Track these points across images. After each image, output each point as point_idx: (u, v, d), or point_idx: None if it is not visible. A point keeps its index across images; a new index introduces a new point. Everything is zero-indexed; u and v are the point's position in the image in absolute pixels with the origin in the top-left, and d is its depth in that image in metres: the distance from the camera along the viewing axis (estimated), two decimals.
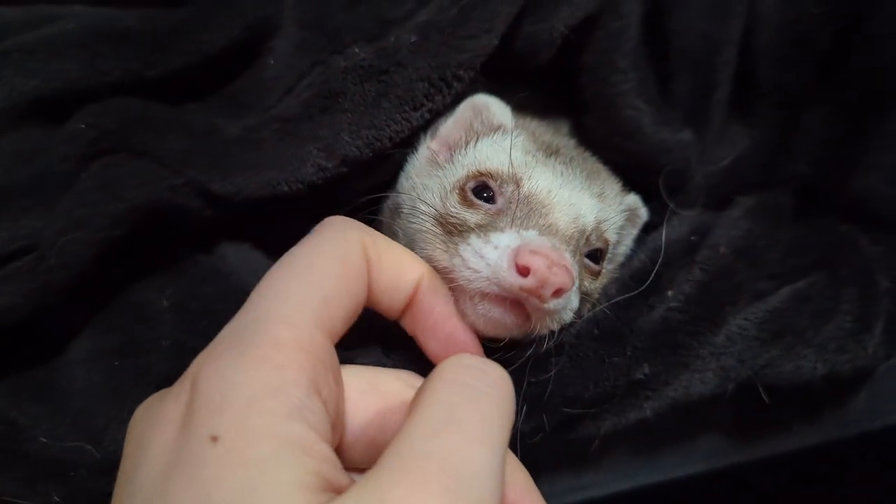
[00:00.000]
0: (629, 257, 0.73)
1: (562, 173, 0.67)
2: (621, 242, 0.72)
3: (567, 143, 0.76)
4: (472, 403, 0.40)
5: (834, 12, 0.72)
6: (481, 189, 0.63)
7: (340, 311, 0.45)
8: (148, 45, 0.65)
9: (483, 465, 0.37)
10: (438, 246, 0.60)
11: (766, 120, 0.78)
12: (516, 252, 0.54)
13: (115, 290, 0.64)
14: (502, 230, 0.58)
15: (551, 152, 0.69)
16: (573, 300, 0.59)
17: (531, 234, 0.57)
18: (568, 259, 0.55)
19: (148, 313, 0.64)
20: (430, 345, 0.55)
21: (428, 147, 0.71)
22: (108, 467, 0.56)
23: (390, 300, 0.53)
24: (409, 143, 0.68)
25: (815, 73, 0.75)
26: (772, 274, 0.70)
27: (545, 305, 0.54)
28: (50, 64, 0.64)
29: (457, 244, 0.58)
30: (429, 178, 0.68)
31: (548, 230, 0.59)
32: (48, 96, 0.64)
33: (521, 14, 0.67)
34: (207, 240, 0.68)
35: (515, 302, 0.55)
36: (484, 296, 0.55)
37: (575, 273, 0.56)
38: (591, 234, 0.65)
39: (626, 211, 0.71)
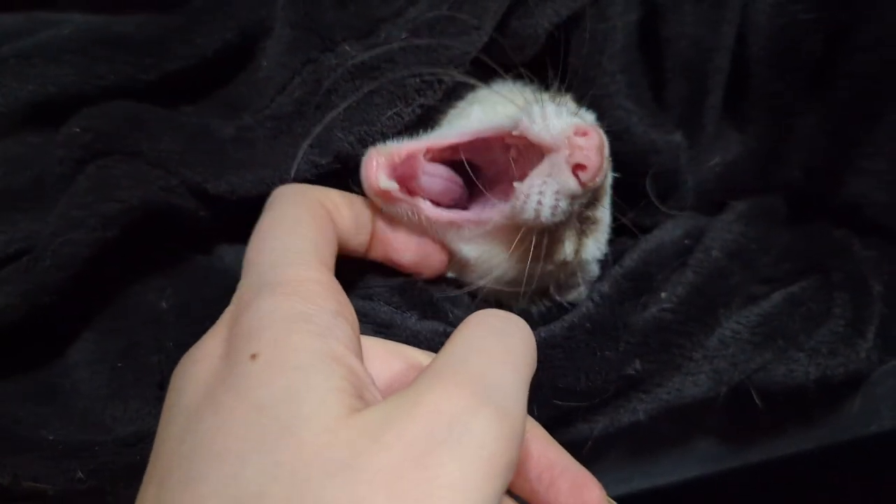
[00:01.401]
0: (621, 257, 0.73)
1: None
2: None
3: None
4: (499, 337, 0.44)
5: (824, 18, 0.72)
6: None
7: (328, 254, 0.51)
8: (144, 49, 0.66)
9: (510, 382, 0.40)
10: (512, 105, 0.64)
11: (759, 126, 0.78)
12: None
13: (115, 293, 0.64)
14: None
15: None
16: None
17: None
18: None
19: (148, 315, 0.64)
20: (402, 256, 0.63)
21: None
22: (132, 440, 0.57)
23: (357, 239, 0.60)
24: (401, 137, 0.68)
25: (807, 79, 0.75)
26: (765, 278, 0.71)
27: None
28: (46, 69, 0.65)
29: (531, 104, 0.61)
30: None
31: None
32: (44, 101, 0.65)
33: (509, 11, 0.67)
34: (205, 242, 0.68)
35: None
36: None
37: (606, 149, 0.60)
38: None
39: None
